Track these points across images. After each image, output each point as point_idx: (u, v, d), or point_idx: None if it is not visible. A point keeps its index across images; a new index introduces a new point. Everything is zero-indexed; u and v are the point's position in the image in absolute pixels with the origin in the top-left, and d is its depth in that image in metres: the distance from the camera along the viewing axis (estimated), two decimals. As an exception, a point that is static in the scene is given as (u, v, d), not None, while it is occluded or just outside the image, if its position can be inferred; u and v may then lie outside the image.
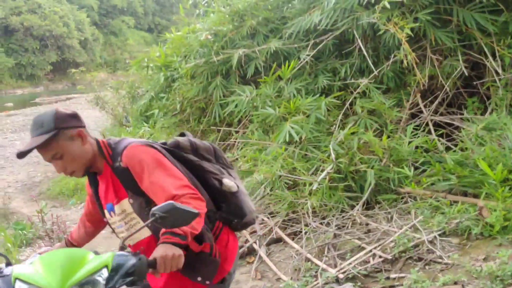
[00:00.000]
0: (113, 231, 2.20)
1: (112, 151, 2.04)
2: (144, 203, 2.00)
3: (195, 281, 2.04)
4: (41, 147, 1.90)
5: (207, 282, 2.05)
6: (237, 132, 5.88)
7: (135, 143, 2.04)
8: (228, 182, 2.19)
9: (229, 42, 6.11)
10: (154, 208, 1.68)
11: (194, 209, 1.71)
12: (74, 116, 2.00)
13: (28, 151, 1.90)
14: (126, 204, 2.03)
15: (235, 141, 5.78)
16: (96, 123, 16.69)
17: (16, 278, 1.56)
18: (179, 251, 1.72)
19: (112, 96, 11.96)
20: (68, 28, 46.46)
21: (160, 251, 1.71)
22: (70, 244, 2.37)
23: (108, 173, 2.05)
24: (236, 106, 5.56)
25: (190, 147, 2.20)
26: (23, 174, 10.69)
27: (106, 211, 2.13)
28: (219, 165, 2.27)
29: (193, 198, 1.88)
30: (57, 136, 1.91)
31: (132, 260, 1.65)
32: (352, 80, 5.39)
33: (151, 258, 1.70)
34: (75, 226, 2.41)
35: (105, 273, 1.58)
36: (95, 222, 2.36)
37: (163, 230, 1.78)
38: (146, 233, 2.03)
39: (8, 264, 1.75)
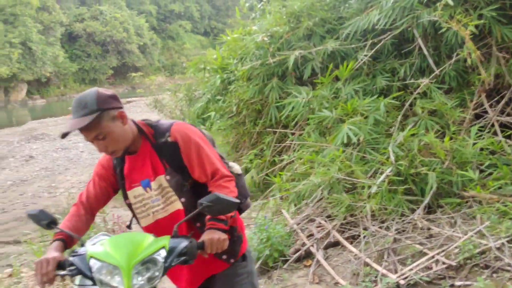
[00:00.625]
0: (133, 214, 2.26)
1: (154, 129, 2.14)
2: (181, 179, 2.13)
3: (220, 259, 2.21)
4: (85, 129, 1.94)
5: (231, 260, 2.23)
6: (293, 134, 5.84)
7: (178, 121, 2.18)
8: (234, 164, 2.35)
9: (285, 43, 6.07)
10: (201, 199, 1.91)
11: (235, 199, 1.95)
12: (114, 97, 2.05)
13: (69, 132, 1.96)
14: (163, 180, 2.13)
15: (291, 143, 5.74)
16: (155, 125, 17.11)
17: (90, 257, 1.83)
18: (224, 235, 1.98)
19: (170, 99, 12.21)
20: (128, 34, 47.90)
21: (208, 235, 1.97)
22: (67, 241, 2.11)
23: (146, 151, 2.14)
24: (292, 108, 5.52)
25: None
26: (85, 175, 11.08)
27: (138, 188, 2.18)
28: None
29: (229, 181, 2.12)
30: (100, 117, 1.95)
31: (185, 243, 1.91)
32: (412, 80, 5.23)
33: (199, 241, 1.97)
34: (63, 223, 2.18)
35: (163, 253, 1.85)
36: (92, 209, 2.29)
37: (208, 217, 2.02)
38: (178, 206, 2.16)
39: (82, 245, 1.99)
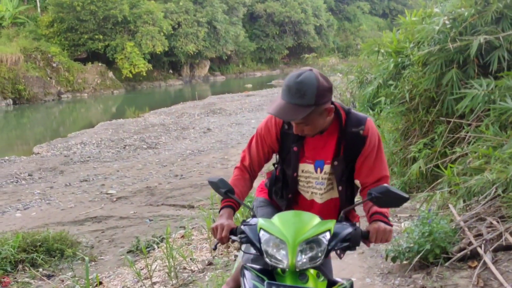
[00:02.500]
0: (295, 184, 2.32)
1: (347, 116, 2.18)
2: (344, 169, 2.21)
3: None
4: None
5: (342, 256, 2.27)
6: (469, 125, 5.42)
7: (370, 118, 2.25)
8: None
9: (469, 27, 5.61)
10: (371, 189, 1.96)
11: (405, 193, 1.94)
12: (330, 90, 2.06)
13: (283, 119, 2.13)
14: (331, 165, 2.22)
15: (466, 135, 5.34)
16: (324, 106, 17.24)
17: (260, 228, 1.96)
18: (389, 227, 2.02)
19: (341, 81, 12.15)
20: (306, 14, 48.60)
21: (374, 225, 2.02)
22: (235, 207, 2.25)
23: (334, 134, 2.19)
24: (472, 98, 5.11)
25: None
26: (255, 150, 11.61)
27: (310, 165, 2.25)
28: None
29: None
30: (313, 111, 2.00)
31: (349, 229, 1.96)
32: None
33: (364, 230, 2.01)
34: (233, 183, 2.33)
35: (327, 236, 1.91)
36: (255, 172, 2.41)
37: (372, 211, 2.10)
38: (335, 194, 2.28)
39: (254, 216, 2.14)
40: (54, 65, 31.40)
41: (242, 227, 2.05)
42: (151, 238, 5.63)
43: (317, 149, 2.23)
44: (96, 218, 7.67)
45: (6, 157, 13.42)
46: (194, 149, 13.04)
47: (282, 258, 1.87)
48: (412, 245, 3.76)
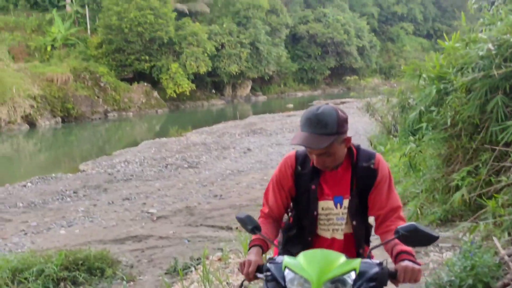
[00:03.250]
0: (314, 225, 2.33)
1: (358, 151, 2.28)
2: (358, 204, 2.27)
3: None
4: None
5: None
6: (515, 153, 5.26)
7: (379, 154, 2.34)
8: None
9: (515, 53, 5.48)
10: (399, 227, 1.94)
11: (435, 232, 1.93)
12: (347, 121, 2.18)
13: (310, 147, 2.11)
14: (347, 201, 2.28)
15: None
16: (365, 129, 17.08)
17: (285, 266, 1.95)
18: (418, 266, 1.97)
19: (383, 103, 12.04)
20: (348, 35, 48.51)
21: (402, 264, 1.98)
22: (264, 247, 2.27)
23: (348, 169, 2.27)
24: (517, 125, 4.96)
25: None
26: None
27: (329, 202, 2.29)
28: None
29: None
30: (335, 140, 2.09)
31: (376, 268, 1.92)
32: None
33: (392, 269, 1.96)
34: (263, 230, 2.30)
35: (353, 275, 1.87)
36: (278, 218, 2.42)
37: (398, 250, 2.06)
38: (349, 229, 2.31)
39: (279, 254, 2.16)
40: (102, 84, 32.37)
41: (268, 264, 2.04)
42: (189, 261, 5.67)
43: (335, 185, 2.28)
44: (136, 237, 7.80)
45: (53, 174, 13.86)
46: (234, 169, 13.13)
47: None
48: (453, 278, 3.66)
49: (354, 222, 2.29)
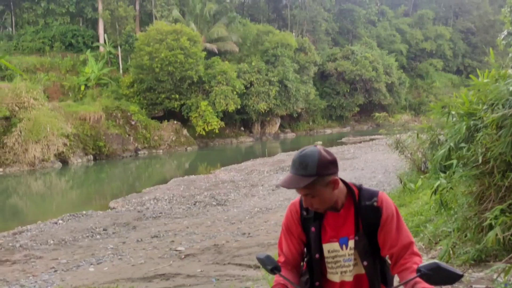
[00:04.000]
0: (320, 268, 2.32)
1: (359, 191, 2.27)
2: (367, 244, 2.23)
3: None
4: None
5: None
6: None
7: (382, 192, 2.30)
8: None
9: (546, 88, 5.39)
10: (420, 265, 1.90)
11: (458, 270, 1.87)
12: (334, 163, 2.17)
13: (288, 188, 2.14)
14: (352, 241, 2.25)
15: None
16: (394, 166, 16.87)
17: None
18: None
19: (412, 140, 11.90)
20: (377, 72, 48.58)
21: None
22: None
23: (350, 209, 2.26)
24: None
25: None
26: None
27: (335, 244, 2.28)
28: None
29: (420, 259, 2.16)
30: (316, 181, 2.11)
31: None
32: None
33: None
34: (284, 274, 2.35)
35: None
36: (296, 266, 2.39)
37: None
38: (361, 270, 2.28)
39: None
40: (133, 123, 33.02)
41: None
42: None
43: (338, 226, 2.28)
44: (164, 275, 7.78)
45: (84, 212, 14.05)
46: (262, 207, 13.07)
47: None
48: (487, 321, 3.52)
49: (365, 263, 2.26)
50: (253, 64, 40.00)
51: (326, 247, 2.29)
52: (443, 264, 1.85)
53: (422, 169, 11.19)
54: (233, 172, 20.78)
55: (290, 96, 41.74)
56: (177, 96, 35.77)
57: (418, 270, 1.89)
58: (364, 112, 50.25)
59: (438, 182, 6.15)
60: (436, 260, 1.89)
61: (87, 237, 11.08)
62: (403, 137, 12.58)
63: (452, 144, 6.35)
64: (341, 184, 2.24)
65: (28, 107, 26.54)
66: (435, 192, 6.53)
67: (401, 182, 10.84)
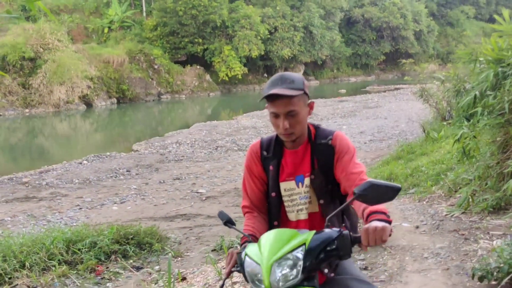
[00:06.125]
0: (278, 208, 2.29)
1: (316, 130, 2.27)
2: (324, 181, 2.21)
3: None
4: (289, 99, 2.09)
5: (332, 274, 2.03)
6: None
7: (339, 131, 2.27)
8: None
9: None
10: (355, 188, 1.78)
11: (394, 184, 1.75)
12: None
13: (279, 96, 2.07)
14: (308, 179, 2.23)
15: None
16: (419, 115, 16.66)
17: (246, 254, 1.85)
18: (382, 223, 1.75)
19: (438, 89, 11.69)
20: (405, 20, 47.27)
21: (366, 226, 1.77)
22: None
23: (306, 148, 2.25)
24: None
25: None
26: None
27: (291, 182, 2.25)
28: None
29: None
30: (302, 97, 2.14)
31: (333, 236, 1.76)
32: None
33: (356, 235, 1.79)
34: (245, 228, 2.30)
35: (301, 250, 1.74)
36: (261, 209, 2.35)
37: (367, 213, 1.88)
38: (316, 208, 2.25)
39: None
40: (156, 67, 33.02)
41: (236, 255, 1.99)
42: (235, 239, 5.76)
43: (296, 165, 2.26)
44: (185, 215, 7.97)
45: (108, 153, 14.32)
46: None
47: (260, 283, 1.75)
48: (502, 265, 3.55)
49: (321, 201, 2.23)
50: (277, 8, 39.20)
51: (283, 185, 2.28)
52: (377, 180, 1.74)
53: (446, 118, 11.03)
54: (255, 119, 20.80)
55: (315, 42, 41.05)
56: (200, 40, 35.49)
57: (354, 193, 1.77)
58: (389, 60, 49.27)
59: (461, 131, 6.04)
60: (369, 179, 1.79)
61: (110, 177, 11.34)
62: (429, 86, 12.36)
63: (478, 92, 6.21)
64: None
65: (53, 48, 26.71)
66: (458, 140, 6.45)
67: (424, 131, 10.73)
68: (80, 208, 8.69)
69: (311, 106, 2.22)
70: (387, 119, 18.54)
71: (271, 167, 2.28)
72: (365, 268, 4.18)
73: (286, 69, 41.79)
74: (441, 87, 10.79)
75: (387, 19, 46.25)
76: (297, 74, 2.19)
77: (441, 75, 10.88)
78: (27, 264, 4.86)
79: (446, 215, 5.52)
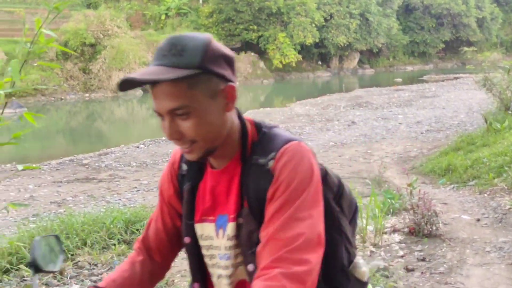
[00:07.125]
0: (196, 264, 1.38)
1: (260, 139, 1.28)
2: (257, 230, 1.21)
3: None
4: (172, 86, 1.13)
5: None
6: None
7: (301, 143, 1.24)
8: (363, 265, 1.40)
9: None
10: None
11: None
12: (230, 61, 1.25)
13: (141, 83, 1.13)
14: (232, 226, 1.27)
15: None
16: (480, 105, 16.08)
17: None
18: None
19: (502, 78, 11.23)
20: (467, 6, 45.56)
21: None
22: None
23: (236, 169, 1.27)
24: None
25: (336, 189, 1.37)
26: (400, 147, 11.27)
27: (210, 225, 1.31)
28: (352, 229, 1.44)
29: (300, 274, 1.09)
30: (197, 80, 1.15)
31: None
32: None
33: None
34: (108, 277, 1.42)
35: None
36: (157, 253, 1.46)
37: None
38: (243, 275, 1.30)
39: None
40: (211, 54, 33.35)
41: None
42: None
43: (218, 195, 1.30)
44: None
45: (163, 138, 14.63)
46: (337, 141, 12.98)
47: None
48: None
49: (250, 267, 1.23)
50: (334, -5, 38.67)
51: (199, 228, 1.33)
52: None
53: (511, 109, 10.58)
54: (309, 106, 20.65)
55: (371, 30, 40.21)
56: (255, 27, 35.51)
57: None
58: (449, 49, 47.66)
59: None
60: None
61: (166, 161, 11.49)
62: (492, 75, 11.88)
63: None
64: (235, 116, 1.31)
65: (112, 35, 27.43)
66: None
67: (486, 122, 10.34)
68: (138, 190, 8.92)
69: (228, 93, 1.23)
70: (445, 109, 17.98)
71: (184, 193, 1.35)
72: (423, 259, 4.08)
73: (341, 57, 41.28)
74: (506, 76, 10.35)
75: (448, 5, 44.67)
76: (196, 37, 1.17)
77: (506, 64, 10.44)
78: (88, 242, 5.03)
79: (510, 208, 5.32)
